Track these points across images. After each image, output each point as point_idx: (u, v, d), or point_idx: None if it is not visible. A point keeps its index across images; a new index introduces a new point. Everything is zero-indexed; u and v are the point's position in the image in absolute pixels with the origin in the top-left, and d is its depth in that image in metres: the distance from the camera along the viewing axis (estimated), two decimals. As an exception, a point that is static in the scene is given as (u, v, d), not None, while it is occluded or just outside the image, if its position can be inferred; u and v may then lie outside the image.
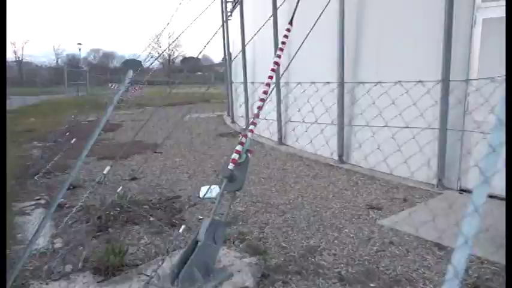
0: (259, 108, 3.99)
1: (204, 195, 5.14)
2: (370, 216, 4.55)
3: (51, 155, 6.97)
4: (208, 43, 5.01)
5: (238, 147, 3.55)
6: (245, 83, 10.73)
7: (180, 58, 60.94)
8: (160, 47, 48.27)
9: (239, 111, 12.42)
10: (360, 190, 5.52)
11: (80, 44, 46.38)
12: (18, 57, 53.48)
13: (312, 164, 7.02)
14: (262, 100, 3.96)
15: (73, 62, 56.86)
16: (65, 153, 6.55)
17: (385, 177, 5.95)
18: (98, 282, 3.16)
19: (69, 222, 4.26)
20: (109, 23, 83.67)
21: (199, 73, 63.25)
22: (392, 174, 5.80)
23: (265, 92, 3.96)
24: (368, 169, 6.36)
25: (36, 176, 6.07)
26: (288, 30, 4.42)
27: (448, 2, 4.99)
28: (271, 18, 7.81)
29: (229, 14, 13.56)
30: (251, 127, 3.85)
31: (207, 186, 5.42)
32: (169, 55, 55.19)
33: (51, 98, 23.49)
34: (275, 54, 4.01)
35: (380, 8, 6.32)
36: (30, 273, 3.27)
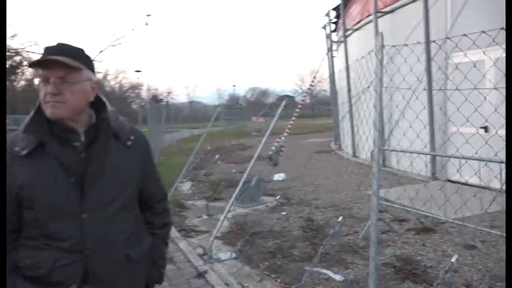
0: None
1: (274, 178, 8.74)
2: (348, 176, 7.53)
3: (199, 161, 11.55)
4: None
5: (275, 144, 7.13)
6: (335, 113, 13.97)
7: (322, 93, 65.61)
8: (303, 83, 53.86)
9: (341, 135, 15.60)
10: (351, 169, 8.49)
11: (234, 85, 55.08)
12: (190, 99, 65.87)
13: (335, 159, 10.09)
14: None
15: (234, 99, 66.93)
16: (206, 161, 11.04)
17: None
18: (206, 203, 7.08)
19: (200, 185, 8.42)
20: (267, 64, 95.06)
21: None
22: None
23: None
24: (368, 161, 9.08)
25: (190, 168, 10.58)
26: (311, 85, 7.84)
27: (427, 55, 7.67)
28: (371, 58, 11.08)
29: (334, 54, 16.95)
30: (283, 137, 7.36)
31: (279, 174, 9.01)
32: (312, 90, 60.13)
33: (210, 130, 30.17)
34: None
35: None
36: (181, 198, 7.38)
